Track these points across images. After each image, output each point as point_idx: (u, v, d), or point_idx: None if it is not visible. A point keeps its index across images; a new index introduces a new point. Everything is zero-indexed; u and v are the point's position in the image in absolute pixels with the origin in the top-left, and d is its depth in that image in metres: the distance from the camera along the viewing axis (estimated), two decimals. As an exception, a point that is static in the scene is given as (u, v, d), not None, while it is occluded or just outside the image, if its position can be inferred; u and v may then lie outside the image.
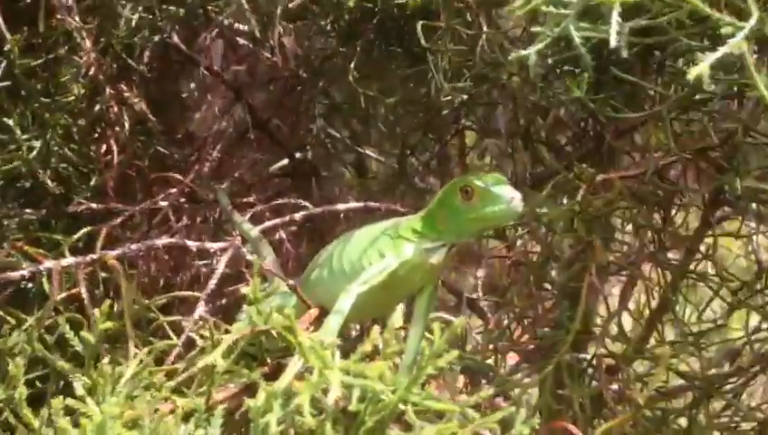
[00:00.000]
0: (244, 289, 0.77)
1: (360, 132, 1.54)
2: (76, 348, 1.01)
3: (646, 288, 1.17)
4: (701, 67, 0.69)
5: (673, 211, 1.15)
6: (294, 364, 0.70)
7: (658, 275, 1.11)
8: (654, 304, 1.33)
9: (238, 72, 1.65)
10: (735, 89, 1.00)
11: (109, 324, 0.80)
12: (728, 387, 1.13)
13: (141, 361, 0.84)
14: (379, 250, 0.88)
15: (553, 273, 1.21)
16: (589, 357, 1.08)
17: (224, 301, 1.42)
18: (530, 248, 1.11)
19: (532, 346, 1.33)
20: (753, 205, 1.30)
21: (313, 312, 0.90)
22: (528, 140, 1.38)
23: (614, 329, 1.09)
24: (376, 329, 0.70)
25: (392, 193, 1.49)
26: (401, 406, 0.72)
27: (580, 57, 0.94)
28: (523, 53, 0.79)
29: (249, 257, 0.99)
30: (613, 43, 0.74)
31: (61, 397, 0.72)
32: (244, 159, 1.68)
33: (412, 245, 0.87)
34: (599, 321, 1.14)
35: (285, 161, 1.66)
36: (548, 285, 1.33)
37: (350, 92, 1.40)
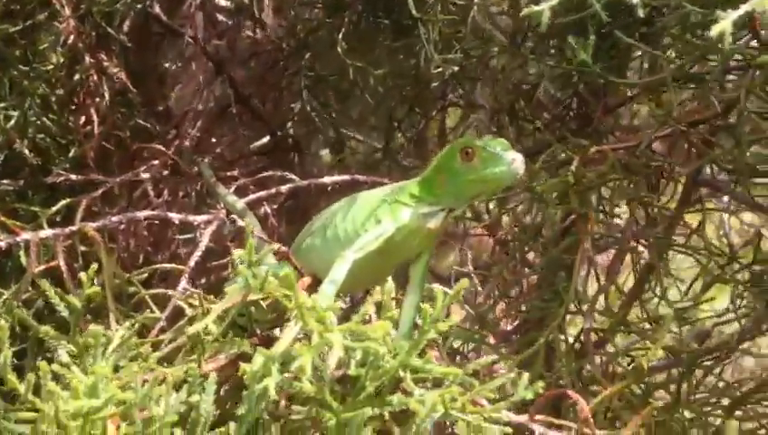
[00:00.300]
0: (236, 252, 0.74)
1: (342, 110, 1.51)
2: (54, 325, 0.98)
3: (633, 261, 1.16)
4: (723, 24, 0.68)
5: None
6: (292, 328, 0.68)
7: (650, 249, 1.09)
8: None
9: (219, 47, 1.61)
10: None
11: (95, 289, 0.77)
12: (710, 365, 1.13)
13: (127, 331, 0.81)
14: (375, 216, 0.85)
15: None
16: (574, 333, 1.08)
17: (205, 280, 1.40)
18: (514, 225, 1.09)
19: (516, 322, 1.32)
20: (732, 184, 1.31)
21: (306, 280, 0.87)
22: (514, 116, 1.37)
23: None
24: (378, 289, 0.68)
25: (376, 171, 1.47)
26: (401, 372, 0.70)
27: (588, 19, 0.93)
28: (536, 8, 0.77)
29: (238, 223, 0.96)
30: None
31: (45, 363, 0.69)
32: (225, 136, 1.65)
33: (409, 209, 0.85)
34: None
35: (267, 139, 1.63)
36: (535, 261, 1.33)
37: (337, 65, 1.37)
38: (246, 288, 0.74)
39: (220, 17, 1.66)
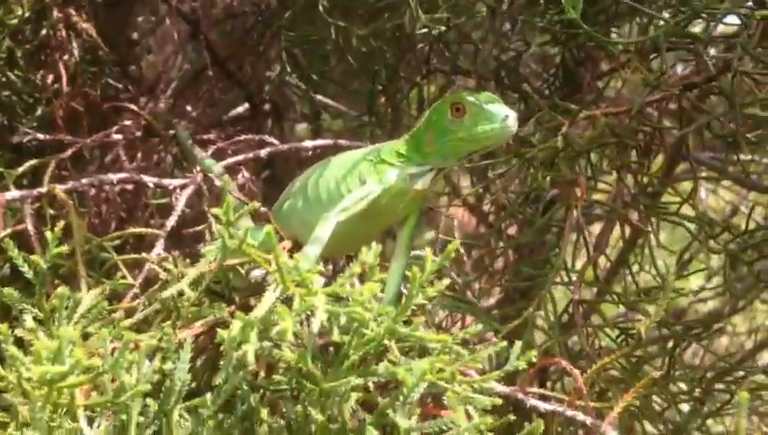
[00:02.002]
0: (213, 210, 0.69)
1: (323, 73, 1.45)
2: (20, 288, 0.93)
3: (621, 230, 1.14)
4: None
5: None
6: (272, 292, 0.64)
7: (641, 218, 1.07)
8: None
9: (194, 7, 1.55)
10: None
11: (62, 249, 0.72)
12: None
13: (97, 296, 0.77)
14: (359, 176, 0.81)
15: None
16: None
17: (180, 250, 1.35)
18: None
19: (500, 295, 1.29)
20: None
21: (286, 244, 0.83)
22: (500, 82, 1.33)
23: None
24: (365, 250, 0.64)
25: (359, 136, 1.42)
26: (387, 340, 0.66)
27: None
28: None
29: (216, 181, 0.91)
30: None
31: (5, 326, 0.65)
32: (200, 101, 1.59)
33: (396, 170, 0.80)
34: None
35: (244, 105, 1.58)
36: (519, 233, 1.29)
37: (318, 26, 1.32)
38: (224, 250, 0.69)
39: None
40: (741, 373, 1.09)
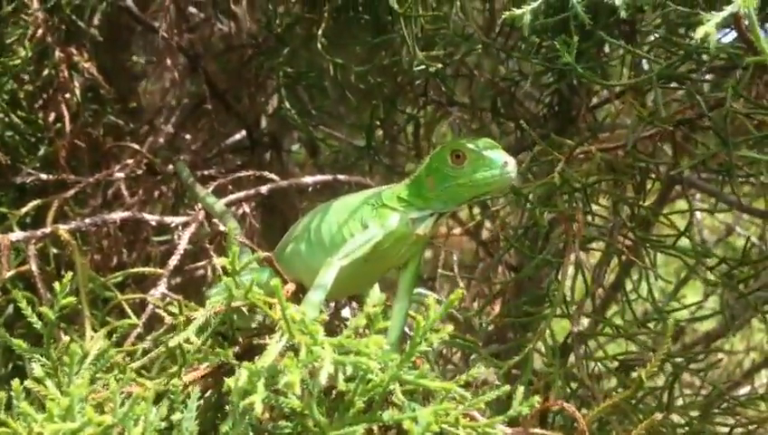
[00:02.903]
0: (218, 260, 0.71)
1: (320, 108, 1.47)
2: (25, 331, 0.94)
3: (619, 260, 1.15)
4: (708, 26, 0.66)
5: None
6: (277, 341, 0.65)
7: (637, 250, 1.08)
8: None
9: (193, 41, 1.57)
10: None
11: (70, 299, 0.73)
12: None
13: (106, 340, 0.78)
14: (361, 220, 0.82)
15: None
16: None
17: (181, 280, 1.36)
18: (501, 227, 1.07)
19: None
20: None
21: (290, 286, 0.84)
22: (495, 113, 1.35)
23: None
24: (370, 301, 0.65)
25: (356, 170, 1.43)
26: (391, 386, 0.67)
27: (570, 19, 0.91)
28: (517, 12, 0.75)
29: (220, 227, 0.92)
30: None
31: (18, 380, 0.66)
32: (199, 133, 1.61)
33: (398, 214, 0.81)
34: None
35: (243, 135, 1.59)
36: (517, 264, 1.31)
37: (316, 62, 1.34)
38: (230, 297, 0.70)
39: (192, 10, 1.62)
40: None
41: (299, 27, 1.37)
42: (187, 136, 1.57)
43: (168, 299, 0.90)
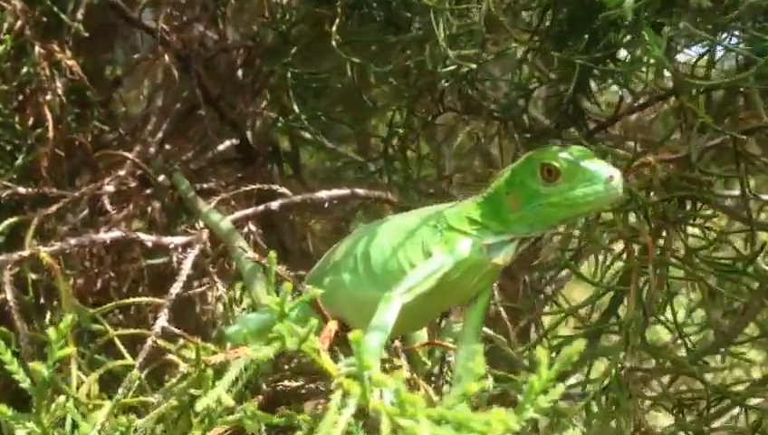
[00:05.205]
0: (266, 299, 0.57)
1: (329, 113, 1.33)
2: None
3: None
4: None
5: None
6: (340, 407, 0.51)
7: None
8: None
9: (184, 41, 1.42)
10: None
11: (68, 351, 0.58)
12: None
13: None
14: (422, 246, 0.68)
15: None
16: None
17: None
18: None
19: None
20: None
21: (332, 325, 0.69)
22: (519, 121, 1.23)
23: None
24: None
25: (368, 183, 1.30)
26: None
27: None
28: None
29: (248, 255, 0.78)
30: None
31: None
32: (190, 142, 1.46)
33: (469, 239, 0.67)
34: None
35: (235, 144, 1.45)
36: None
37: (327, 63, 1.21)
38: (281, 347, 0.56)
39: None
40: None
41: (305, 25, 1.24)
42: (178, 147, 1.41)
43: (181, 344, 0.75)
